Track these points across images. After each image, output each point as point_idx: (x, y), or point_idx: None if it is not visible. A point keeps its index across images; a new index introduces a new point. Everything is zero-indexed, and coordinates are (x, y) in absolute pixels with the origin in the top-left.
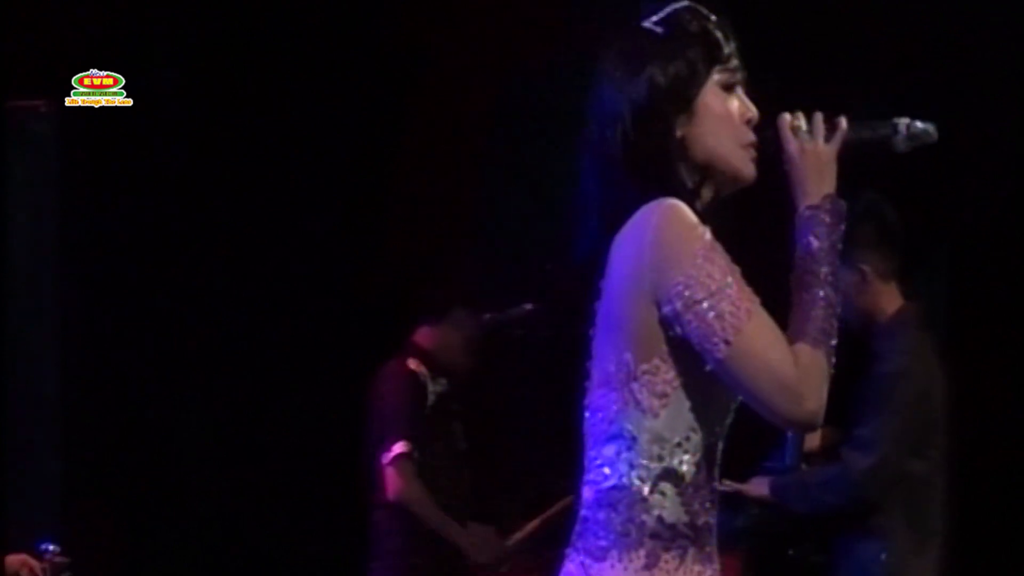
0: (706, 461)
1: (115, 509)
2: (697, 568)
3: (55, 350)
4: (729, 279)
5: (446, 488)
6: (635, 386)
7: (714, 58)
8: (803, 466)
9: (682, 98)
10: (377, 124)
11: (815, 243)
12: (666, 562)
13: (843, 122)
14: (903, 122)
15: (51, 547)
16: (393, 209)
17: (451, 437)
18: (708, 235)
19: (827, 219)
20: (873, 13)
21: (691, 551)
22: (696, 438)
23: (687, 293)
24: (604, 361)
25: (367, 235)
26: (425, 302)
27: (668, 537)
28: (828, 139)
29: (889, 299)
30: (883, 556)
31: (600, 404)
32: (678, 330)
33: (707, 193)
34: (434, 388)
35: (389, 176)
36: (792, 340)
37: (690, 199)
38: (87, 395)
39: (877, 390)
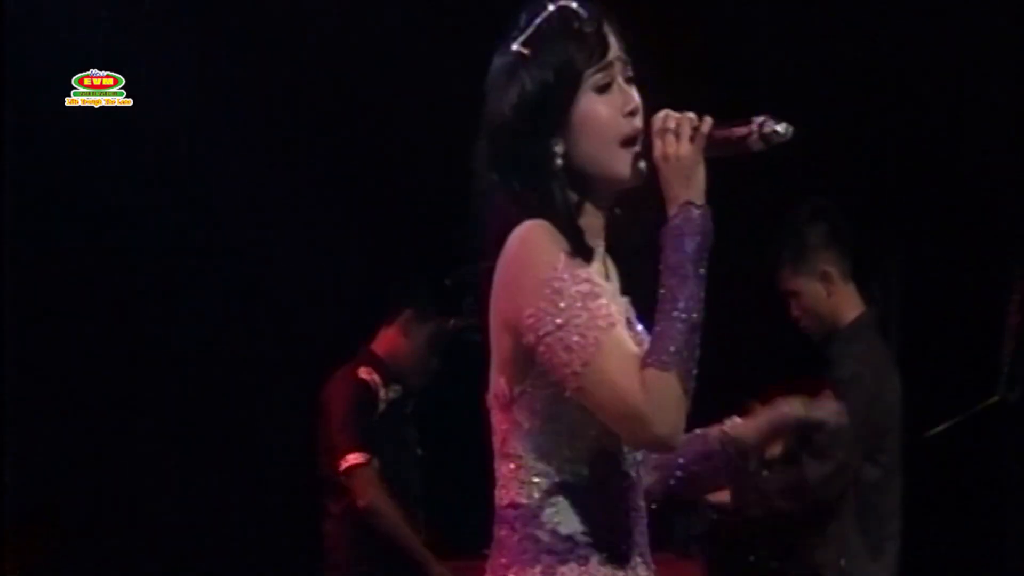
0: (608, 465)
1: (61, 519)
2: (604, 572)
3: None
4: (577, 306)
5: (396, 494)
6: (515, 408)
7: (587, 62)
8: (763, 472)
9: (555, 118)
10: (372, 123)
11: (671, 256)
12: (562, 575)
13: (707, 123)
14: (757, 120)
15: None
16: (375, 210)
17: (405, 443)
18: (563, 260)
19: (683, 228)
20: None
21: (595, 557)
22: (587, 446)
23: (537, 326)
24: (492, 384)
25: (349, 237)
26: (382, 307)
27: (564, 550)
28: (692, 140)
29: (850, 303)
30: (842, 562)
31: (494, 425)
32: (536, 360)
33: (602, 202)
34: (387, 395)
35: (379, 177)
36: (643, 364)
37: (570, 216)
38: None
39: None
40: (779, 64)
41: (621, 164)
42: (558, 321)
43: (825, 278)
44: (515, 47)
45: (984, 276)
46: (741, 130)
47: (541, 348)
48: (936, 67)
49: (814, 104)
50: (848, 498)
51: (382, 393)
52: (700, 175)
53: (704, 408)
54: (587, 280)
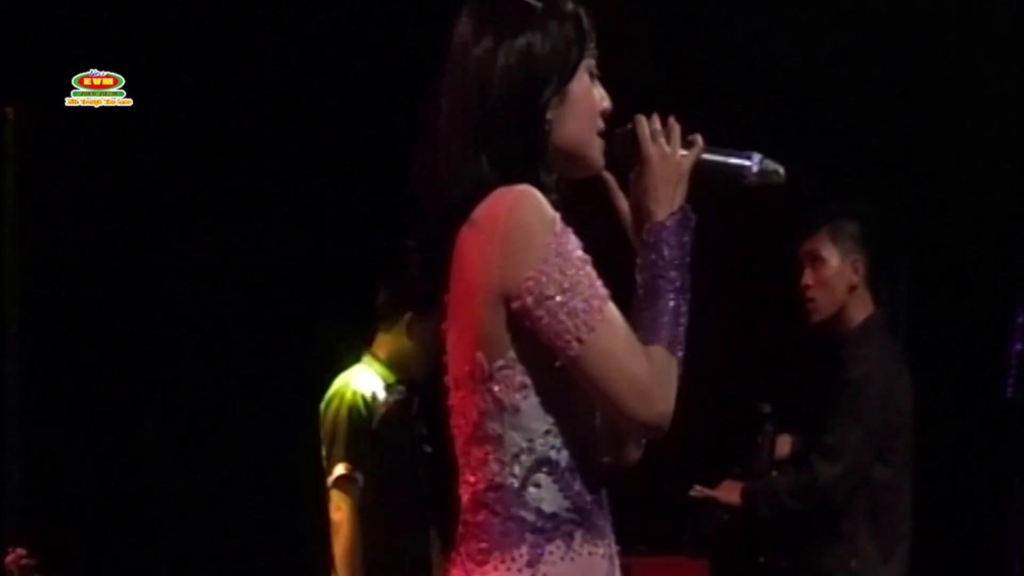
0: (585, 440)
1: (76, 518)
2: (587, 549)
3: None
4: (581, 273)
5: (407, 495)
6: (493, 385)
7: (586, 42)
8: (773, 473)
9: (558, 78)
10: (378, 123)
11: (667, 251)
12: (550, 554)
13: (699, 139)
14: (757, 156)
15: (18, 550)
16: (365, 214)
17: (412, 442)
18: (560, 224)
19: (682, 229)
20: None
21: (578, 533)
22: (567, 421)
23: (538, 289)
24: (459, 361)
25: (343, 239)
26: (377, 309)
27: (551, 528)
28: (684, 153)
29: (864, 303)
30: (852, 563)
31: (462, 407)
32: (528, 325)
33: (560, 182)
34: (388, 398)
35: (373, 180)
36: (645, 342)
37: (544, 184)
38: (47, 403)
39: (843, 397)
40: (784, 67)
41: (595, 150)
42: (564, 285)
43: (854, 267)
44: None
45: (989, 276)
46: (737, 160)
47: (539, 312)
48: (941, 68)
49: (819, 105)
50: (859, 498)
51: (380, 399)
52: (686, 184)
53: (715, 409)
54: (580, 246)
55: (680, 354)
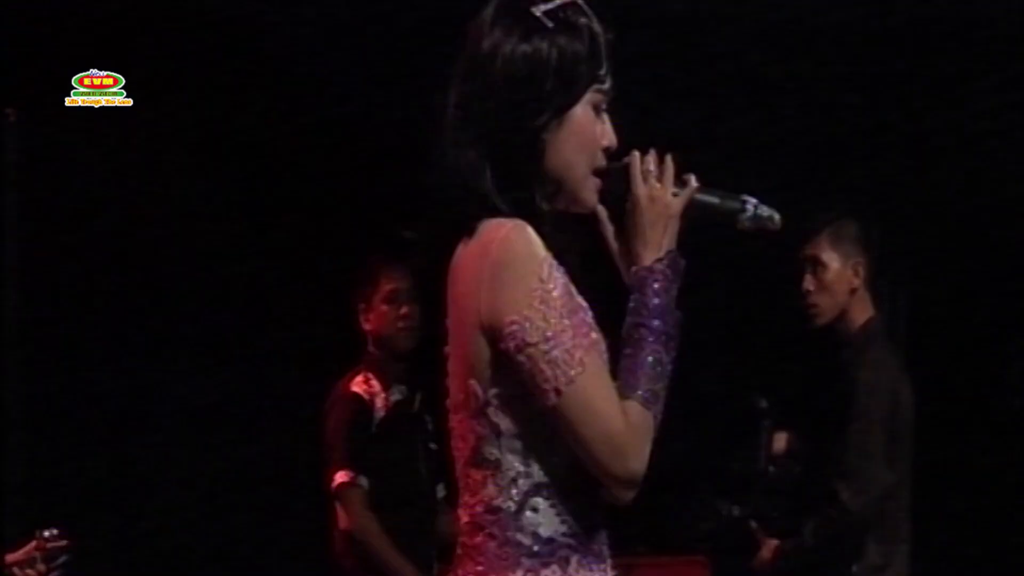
0: (582, 465)
1: (76, 519)
2: (583, 574)
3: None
4: (566, 322)
5: (413, 495)
6: (490, 411)
7: (595, 71)
8: (770, 468)
9: (559, 98)
10: (378, 123)
11: (653, 299)
12: None
13: (693, 180)
14: (752, 201)
15: (47, 532)
16: (365, 214)
17: (414, 442)
18: (547, 269)
19: (669, 274)
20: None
21: (575, 558)
22: (564, 446)
23: (520, 335)
24: (455, 387)
25: (343, 240)
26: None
27: (547, 552)
28: (676, 193)
29: (864, 307)
30: (854, 568)
31: (460, 430)
32: (510, 368)
33: (551, 208)
34: (387, 400)
35: (373, 181)
36: (622, 396)
37: (538, 213)
38: (48, 404)
39: (850, 407)
40: (784, 69)
41: (587, 188)
42: (547, 334)
43: (855, 270)
44: (537, 12)
45: (990, 282)
46: (731, 203)
47: (521, 358)
48: (942, 70)
49: (819, 108)
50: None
51: (380, 401)
52: (677, 227)
53: (712, 405)
54: (568, 291)
55: (656, 408)
